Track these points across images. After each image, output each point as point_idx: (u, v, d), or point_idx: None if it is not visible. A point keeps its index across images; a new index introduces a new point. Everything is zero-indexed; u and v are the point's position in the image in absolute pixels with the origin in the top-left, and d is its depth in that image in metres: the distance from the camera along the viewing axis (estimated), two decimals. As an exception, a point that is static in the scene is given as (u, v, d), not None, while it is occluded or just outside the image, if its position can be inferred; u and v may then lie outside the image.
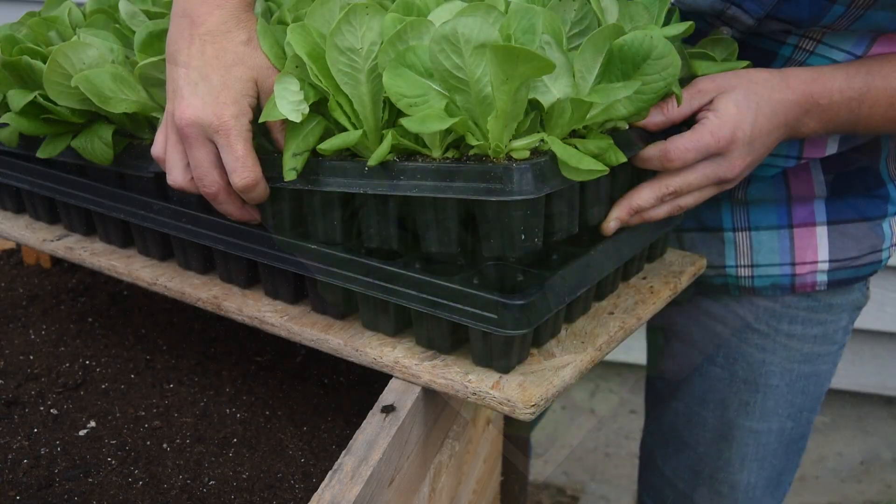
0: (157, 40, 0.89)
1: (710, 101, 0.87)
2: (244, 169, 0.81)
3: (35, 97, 0.93)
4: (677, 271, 1.02)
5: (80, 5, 1.10)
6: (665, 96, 0.86)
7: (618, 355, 2.31)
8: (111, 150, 0.93)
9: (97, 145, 0.93)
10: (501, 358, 0.79)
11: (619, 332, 0.89)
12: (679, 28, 0.86)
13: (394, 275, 0.80)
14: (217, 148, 0.81)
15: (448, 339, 0.82)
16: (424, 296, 0.79)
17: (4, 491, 0.87)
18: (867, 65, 0.92)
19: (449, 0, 0.83)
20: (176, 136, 0.83)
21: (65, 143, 0.97)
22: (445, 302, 0.78)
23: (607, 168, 0.75)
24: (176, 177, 0.85)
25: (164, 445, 0.95)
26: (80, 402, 1.03)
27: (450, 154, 0.77)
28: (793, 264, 1.09)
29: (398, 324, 0.86)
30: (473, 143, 0.74)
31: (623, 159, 0.80)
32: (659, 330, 1.27)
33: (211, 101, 0.80)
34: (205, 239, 0.93)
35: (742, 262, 1.10)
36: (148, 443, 0.96)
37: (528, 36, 0.73)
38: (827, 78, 0.90)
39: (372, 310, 0.86)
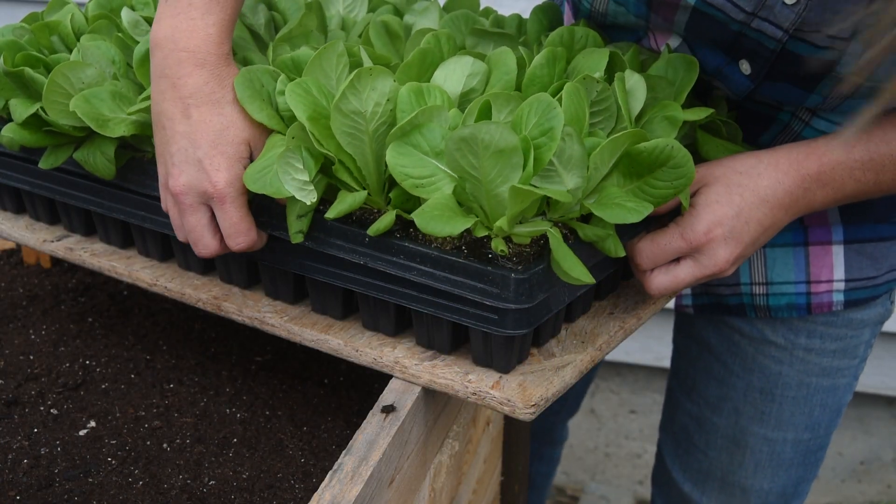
0: None
1: (693, 193, 0.86)
2: (238, 234, 0.81)
3: (37, 110, 0.93)
4: (677, 271, 1.02)
5: (80, 5, 1.09)
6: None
7: (618, 355, 2.31)
8: (113, 165, 0.93)
9: (99, 160, 0.93)
10: (501, 358, 0.80)
11: (619, 332, 0.89)
12: (700, 114, 0.86)
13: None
14: (212, 210, 0.82)
15: (448, 339, 0.82)
16: (425, 296, 0.79)
17: (4, 491, 0.87)
18: (868, 132, 0.86)
19: (461, 54, 0.83)
20: (173, 200, 0.83)
21: (66, 154, 0.97)
22: (446, 302, 0.78)
23: (594, 280, 0.75)
24: (183, 237, 0.86)
25: (164, 445, 0.95)
26: (80, 402, 1.03)
27: None
28: (808, 282, 1.05)
29: (398, 324, 0.86)
30: (481, 233, 0.75)
31: (622, 253, 0.81)
32: (679, 331, 1.26)
33: (204, 168, 0.79)
34: (205, 239, 0.93)
35: (756, 280, 1.07)
36: (148, 443, 0.96)
37: (546, 140, 0.72)
38: (822, 152, 0.86)
39: (372, 310, 0.86)
